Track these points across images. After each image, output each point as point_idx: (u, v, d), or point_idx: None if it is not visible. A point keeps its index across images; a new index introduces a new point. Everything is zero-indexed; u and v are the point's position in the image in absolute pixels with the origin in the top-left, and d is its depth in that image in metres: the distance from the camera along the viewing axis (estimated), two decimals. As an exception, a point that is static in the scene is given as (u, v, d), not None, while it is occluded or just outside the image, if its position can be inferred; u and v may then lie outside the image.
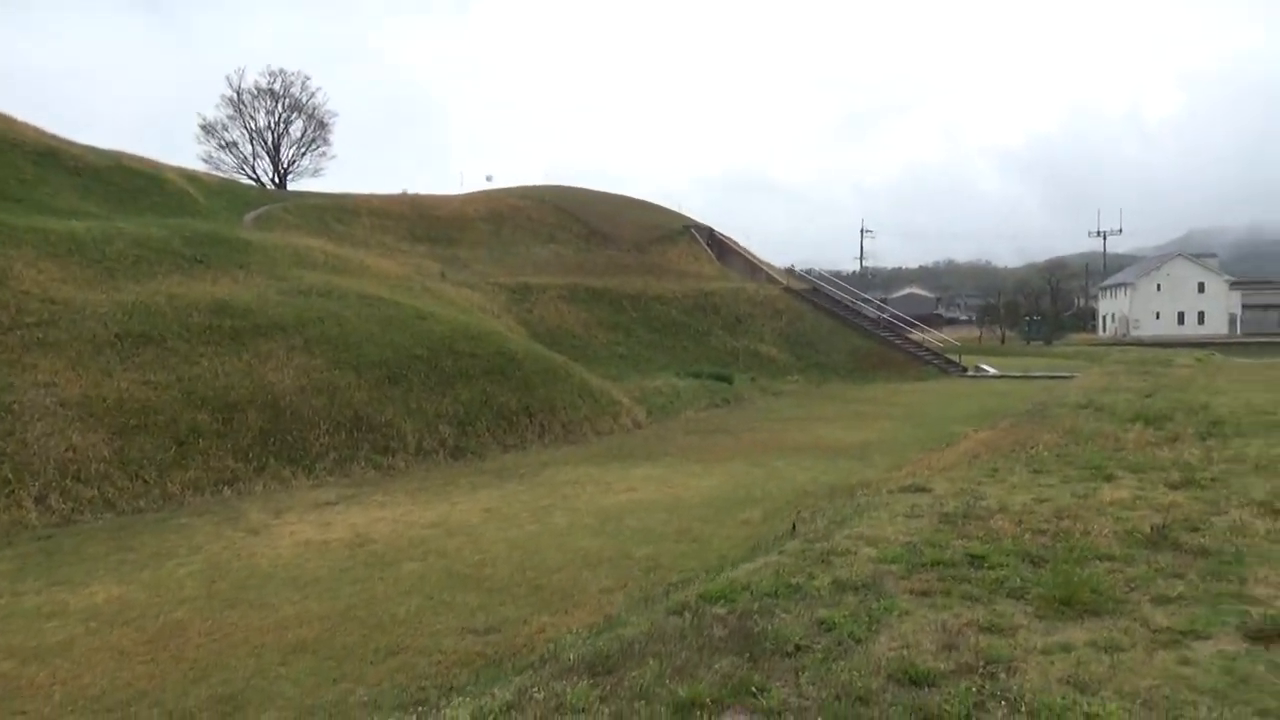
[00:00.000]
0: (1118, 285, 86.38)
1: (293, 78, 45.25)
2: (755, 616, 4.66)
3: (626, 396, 20.12)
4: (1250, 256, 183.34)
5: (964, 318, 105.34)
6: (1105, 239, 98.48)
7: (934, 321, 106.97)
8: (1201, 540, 6.11)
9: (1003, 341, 64.02)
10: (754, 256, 40.51)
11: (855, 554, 6.10)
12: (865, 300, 38.58)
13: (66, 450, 11.16)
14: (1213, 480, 8.37)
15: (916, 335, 35.73)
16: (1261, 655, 4.14)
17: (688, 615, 4.81)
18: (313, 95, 46.25)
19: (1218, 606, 4.81)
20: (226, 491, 11.77)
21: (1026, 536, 6.36)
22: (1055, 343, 64.37)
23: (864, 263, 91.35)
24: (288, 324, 15.57)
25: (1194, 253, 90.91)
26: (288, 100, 43.80)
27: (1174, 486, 8.14)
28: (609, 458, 14.55)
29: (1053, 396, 17.74)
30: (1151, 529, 6.28)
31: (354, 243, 29.63)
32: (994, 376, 32.03)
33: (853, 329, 34.34)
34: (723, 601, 5.04)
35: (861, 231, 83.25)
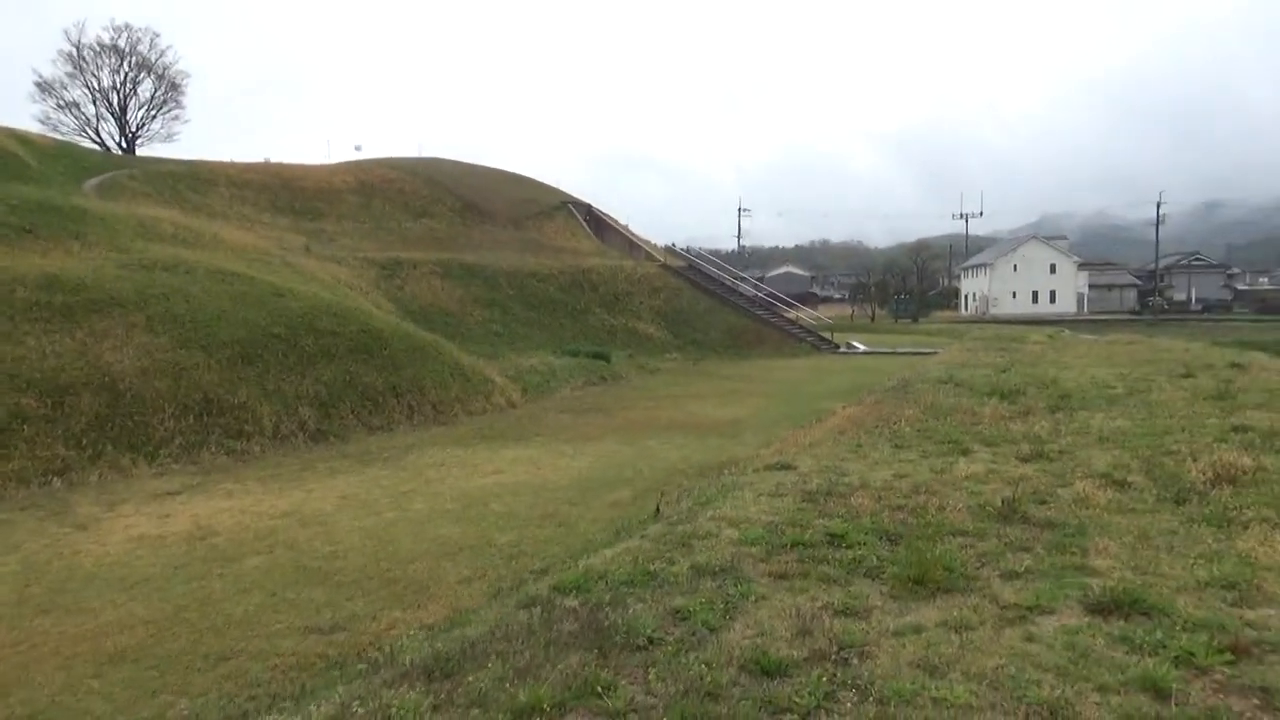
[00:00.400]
0: (978, 265, 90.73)
1: (140, 34, 42.08)
2: (608, 608, 4.45)
3: (501, 375, 19.67)
4: (1094, 239, 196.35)
5: (838, 296, 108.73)
6: (967, 221, 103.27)
7: (809, 299, 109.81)
8: (1048, 513, 6.28)
9: (873, 319, 66.32)
10: (632, 234, 40.42)
11: (717, 536, 5.99)
12: (741, 278, 39.05)
13: None
14: (1060, 453, 8.69)
15: (791, 313, 36.42)
16: (1100, 628, 4.21)
17: (537, 609, 4.56)
18: (162, 54, 43.18)
19: (1061, 580, 4.90)
20: (56, 483, 10.79)
21: (885, 514, 6.40)
22: (921, 320, 67.08)
23: (742, 242, 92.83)
24: (127, 300, 14.43)
25: (1046, 235, 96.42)
26: (134, 58, 40.70)
27: (1024, 459, 8.41)
28: (479, 439, 14.14)
29: (916, 372, 18.31)
30: (1002, 502, 6.42)
31: (210, 214, 27.93)
32: (864, 353, 33.02)
33: (729, 307, 34.73)
34: (576, 592, 4.82)
35: (739, 210, 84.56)
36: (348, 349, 16.05)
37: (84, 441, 11.66)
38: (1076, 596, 4.62)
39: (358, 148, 66.83)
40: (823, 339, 34.32)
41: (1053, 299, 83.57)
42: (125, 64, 40.31)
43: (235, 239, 22.73)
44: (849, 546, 5.61)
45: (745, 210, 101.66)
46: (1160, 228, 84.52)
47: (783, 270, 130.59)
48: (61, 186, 23.47)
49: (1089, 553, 5.37)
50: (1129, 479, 7.30)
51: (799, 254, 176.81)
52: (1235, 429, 9.52)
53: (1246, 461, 7.60)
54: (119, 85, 40.52)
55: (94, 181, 26.20)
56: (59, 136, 35.95)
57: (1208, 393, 12.62)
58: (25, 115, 49.47)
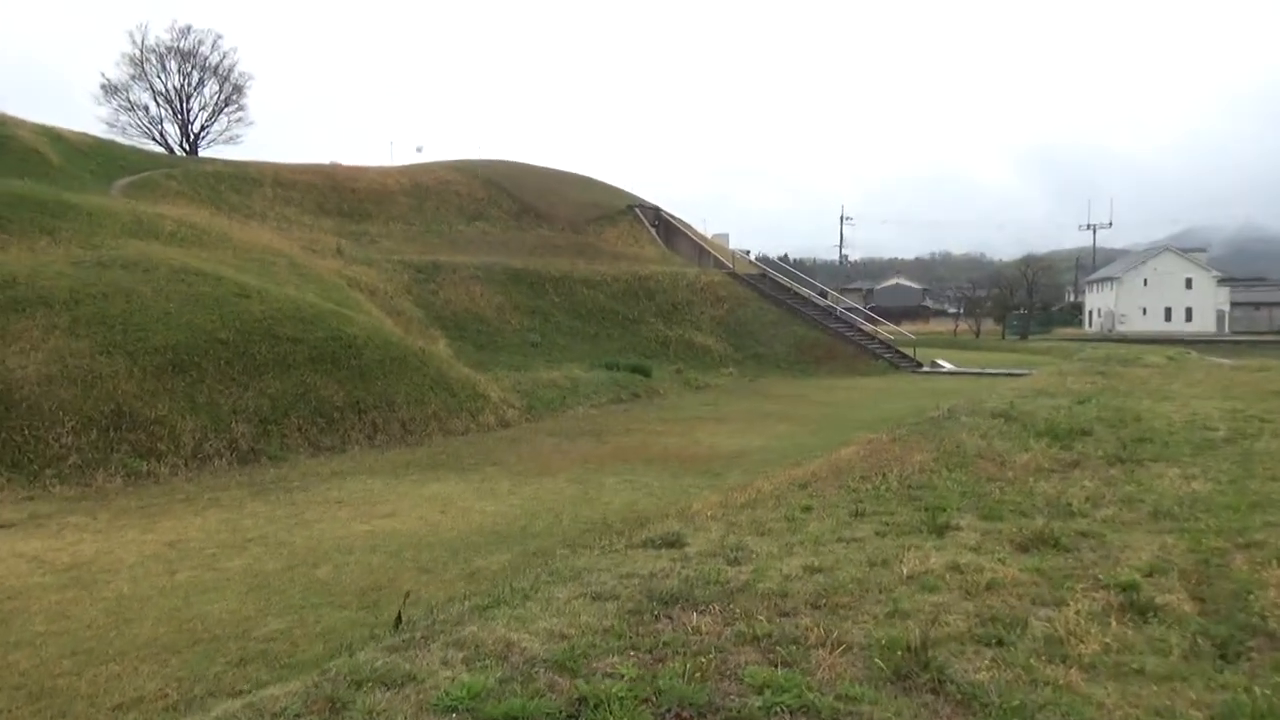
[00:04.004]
0: (1104, 279, 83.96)
1: (202, 35, 42.23)
2: None
3: (501, 390, 17.74)
4: (1243, 255, 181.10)
5: (952, 310, 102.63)
6: (1095, 232, 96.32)
7: (920, 313, 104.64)
8: (982, 673, 3.74)
9: (977, 335, 61.74)
10: (704, 239, 38.05)
11: (421, 684, 3.74)
12: (815, 288, 36.10)
13: None
14: (1082, 536, 6.00)
15: (868, 327, 33.27)
16: None
17: None
18: (225, 55, 43.30)
19: None
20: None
21: (725, 651, 3.99)
22: (1031, 337, 62.09)
23: (857, 253, 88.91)
24: (56, 300, 13.14)
25: (1185, 248, 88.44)
26: (197, 60, 40.98)
27: (1023, 546, 5.77)
28: (426, 466, 12.19)
29: (973, 400, 15.36)
30: (907, 647, 3.90)
31: (247, 214, 27.16)
32: (947, 373, 29.68)
33: (800, 319, 31.92)
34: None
35: (841, 219, 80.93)
36: (308, 358, 14.39)
37: (-44, 457, 10.28)
38: None
39: (419, 149, 66.38)
40: (903, 356, 31.08)
41: (1188, 317, 76.29)
42: (188, 65, 40.77)
43: (248, 238, 21.61)
44: (603, 725, 3.26)
45: (849, 219, 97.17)
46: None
47: (892, 282, 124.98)
48: (84, 184, 22.98)
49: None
50: (1161, 599, 4.62)
51: (917, 266, 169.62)
52: (1364, 506, 6.59)
53: (1366, 576, 4.82)
54: (182, 87, 41.01)
55: (125, 181, 25.75)
56: (123, 139, 36.39)
57: (1339, 443, 9.46)
58: (90, 118, 50.35)
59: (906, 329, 40.30)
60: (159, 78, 41.33)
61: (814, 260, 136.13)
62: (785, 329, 30.97)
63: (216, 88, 42.69)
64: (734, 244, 43.02)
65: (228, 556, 7.59)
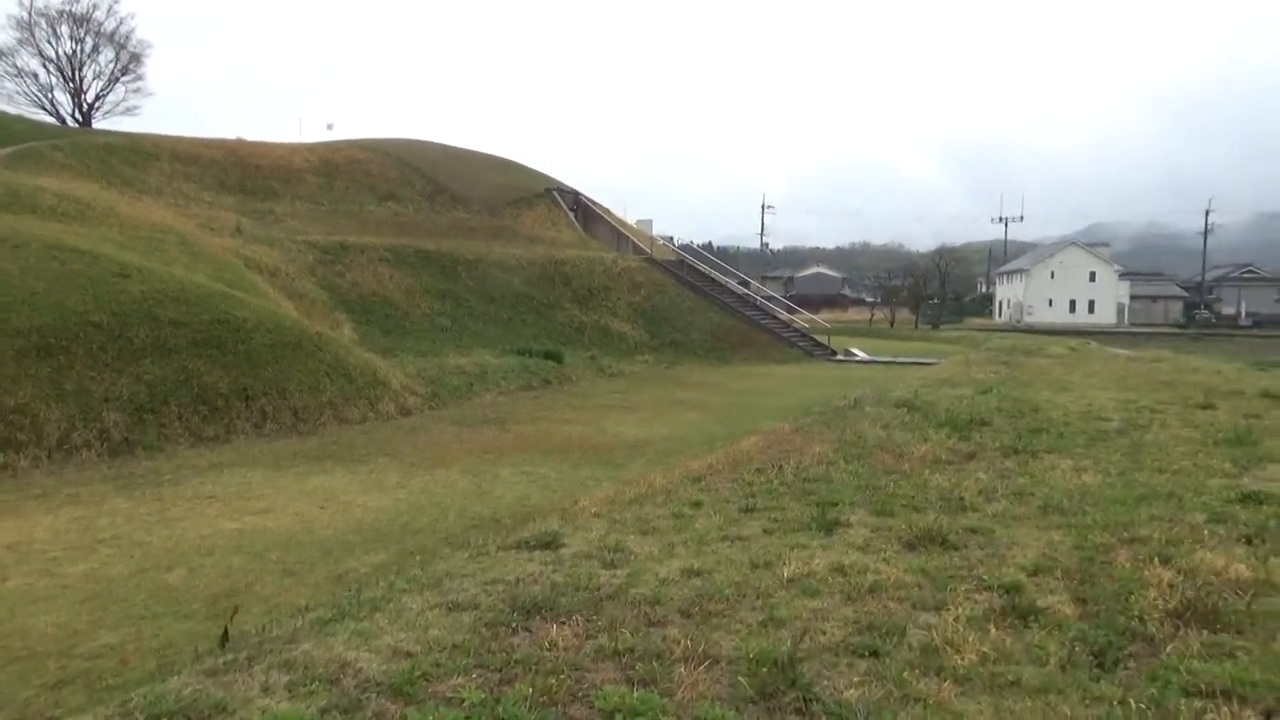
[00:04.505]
0: (1014, 271, 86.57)
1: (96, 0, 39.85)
2: None
3: (404, 377, 17.11)
4: (1147, 250, 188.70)
5: (870, 299, 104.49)
6: (1006, 224, 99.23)
7: (839, 302, 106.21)
8: (854, 693, 3.48)
9: (892, 324, 62.88)
10: (624, 224, 37.68)
11: (233, 715, 3.31)
12: (733, 276, 36.10)
13: None
14: (971, 532, 5.85)
15: (785, 315, 33.41)
16: None
17: None
18: (121, 21, 40.91)
19: None
20: None
21: (581, 667, 3.67)
22: (947, 327, 63.55)
23: (777, 241, 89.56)
24: (-97, 277, 12.07)
25: (1091, 242, 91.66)
26: (91, 25, 38.70)
27: (910, 545, 5.59)
28: (314, 457, 11.58)
29: (880, 389, 15.37)
30: (775, 662, 3.63)
31: (141, 189, 25.72)
32: (860, 361, 30.00)
33: (717, 307, 31.84)
34: None
35: (763, 207, 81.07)
36: (191, 342, 13.56)
37: None
38: None
39: (330, 126, 63.90)
40: (818, 344, 31.31)
41: (1091, 309, 79.22)
42: (81, 30, 38.45)
43: (137, 214, 20.41)
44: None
45: (770, 208, 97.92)
46: (1217, 239, 79.97)
47: (813, 271, 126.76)
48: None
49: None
50: (1042, 602, 4.46)
51: (838, 255, 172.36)
52: (1244, 497, 6.62)
53: (1243, 572, 4.75)
54: (74, 54, 38.68)
55: (5, 151, 24.04)
56: (9, 108, 34.10)
57: (1224, 433, 9.63)
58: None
59: (825, 317, 40.63)
60: (49, 43, 38.90)
61: (739, 248, 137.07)
62: (703, 316, 30.85)
63: (112, 55, 40.38)
64: (659, 230, 42.75)
65: (71, 560, 6.95)
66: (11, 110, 34.07)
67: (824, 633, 4.07)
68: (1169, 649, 3.83)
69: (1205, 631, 4.04)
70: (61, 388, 11.74)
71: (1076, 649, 3.90)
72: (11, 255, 13.70)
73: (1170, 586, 4.56)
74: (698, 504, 6.72)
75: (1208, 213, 78.47)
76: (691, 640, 3.95)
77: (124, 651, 5.16)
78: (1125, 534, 5.70)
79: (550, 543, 5.63)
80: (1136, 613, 4.24)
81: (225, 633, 4.34)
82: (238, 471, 10.51)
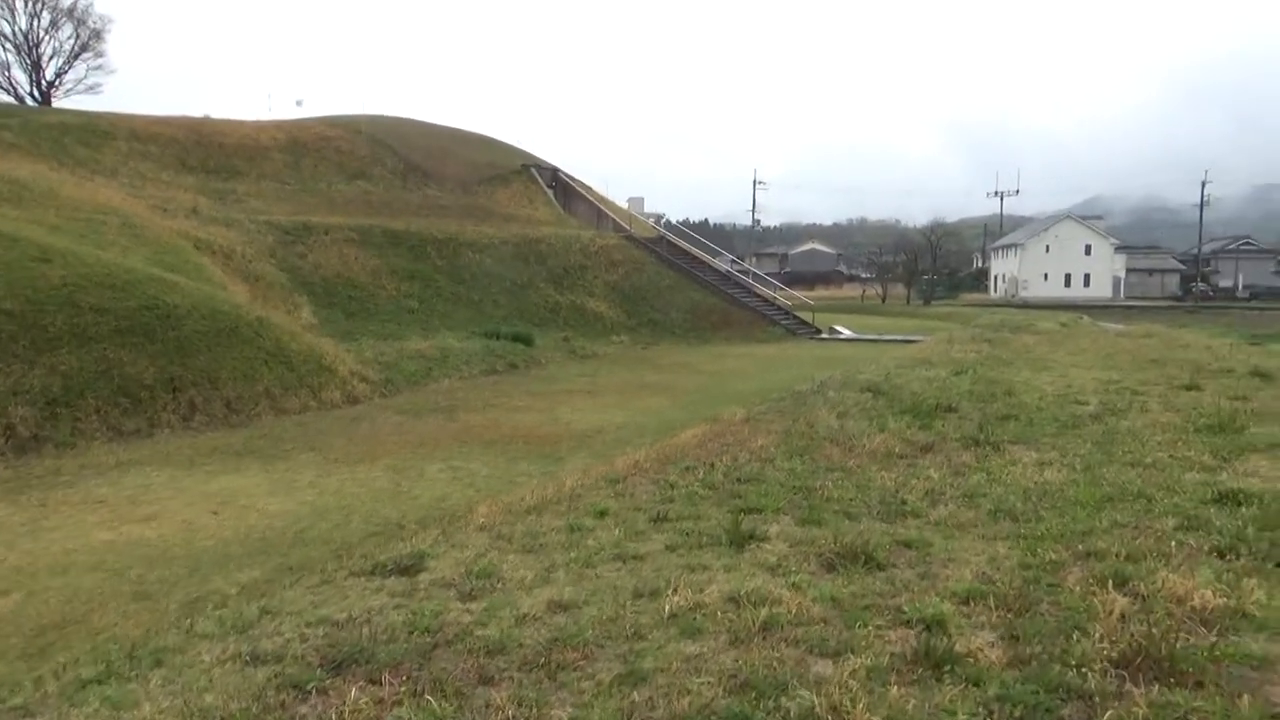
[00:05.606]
0: (1009, 246, 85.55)
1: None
2: None
3: (360, 362, 16.33)
4: (1145, 223, 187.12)
5: (866, 275, 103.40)
6: (1002, 199, 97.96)
7: (833, 278, 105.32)
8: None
9: (883, 300, 62.04)
10: (604, 201, 36.72)
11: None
12: (718, 253, 35.25)
13: None
14: (904, 547, 5.09)
15: (768, 292, 32.55)
16: None
17: None
18: (80, -5, 39.53)
19: None
20: None
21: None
22: (936, 302, 62.72)
23: (772, 218, 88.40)
24: None
25: (1087, 216, 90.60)
26: (48, 1, 37.34)
27: (830, 565, 4.82)
28: (233, 453, 10.81)
29: (848, 372, 14.58)
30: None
31: (95, 169, 24.79)
32: (845, 339, 29.20)
33: (698, 285, 30.99)
34: None
35: (754, 183, 79.61)
36: (114, 330, 12.75)
37: None
38: None
39: (299, 103, 62.44)
40: (802, 322, 30.48)
41: (1087, 282, 78.32)
42: (37, 6, 37.17)
43: (81, 196, 19.53)
44: None
45: (763, 184, 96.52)
46: (1214, 212, 78.86)
47: (808, 247, 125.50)
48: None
49: None
50: (964, 645, 3.68)
51: (835, 231, 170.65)
52: (1221, 497, 5.87)
53: (1210, 600, 3.99)
54: (31, 30, 37.48)
55: (-53, 130, 23.19)
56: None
57: (1207, 418, 8.85)
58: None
59: (819, 294, 40.00)
60: (5, 20, 37.67)
61: (734, 225, 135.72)
62: (682, 294, 30.02)
63: (71, 31, 39.17)
64: (651, 208, 41.70)
65: (-100, 582, 6.19)
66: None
67: (689, 692, 3.31)
68: (1107, 716, 3.06)
69: (1157, 685, 3.27)
70: (-37, 381, 10.95)
71: (995, 714, 3.13)
72: (-79, 239, 12.87)
73: (1122, 619, 3.81)
74: (603, 513, 5.94)
75: (1204, 185, 77.32)
76: (519, 707, 3.19)
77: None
78: (1080, 546, 4.95)
79: (411, 567, 4.86)
80: (1075, 660, 3.47)
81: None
82: (142, 471, 9.74)
